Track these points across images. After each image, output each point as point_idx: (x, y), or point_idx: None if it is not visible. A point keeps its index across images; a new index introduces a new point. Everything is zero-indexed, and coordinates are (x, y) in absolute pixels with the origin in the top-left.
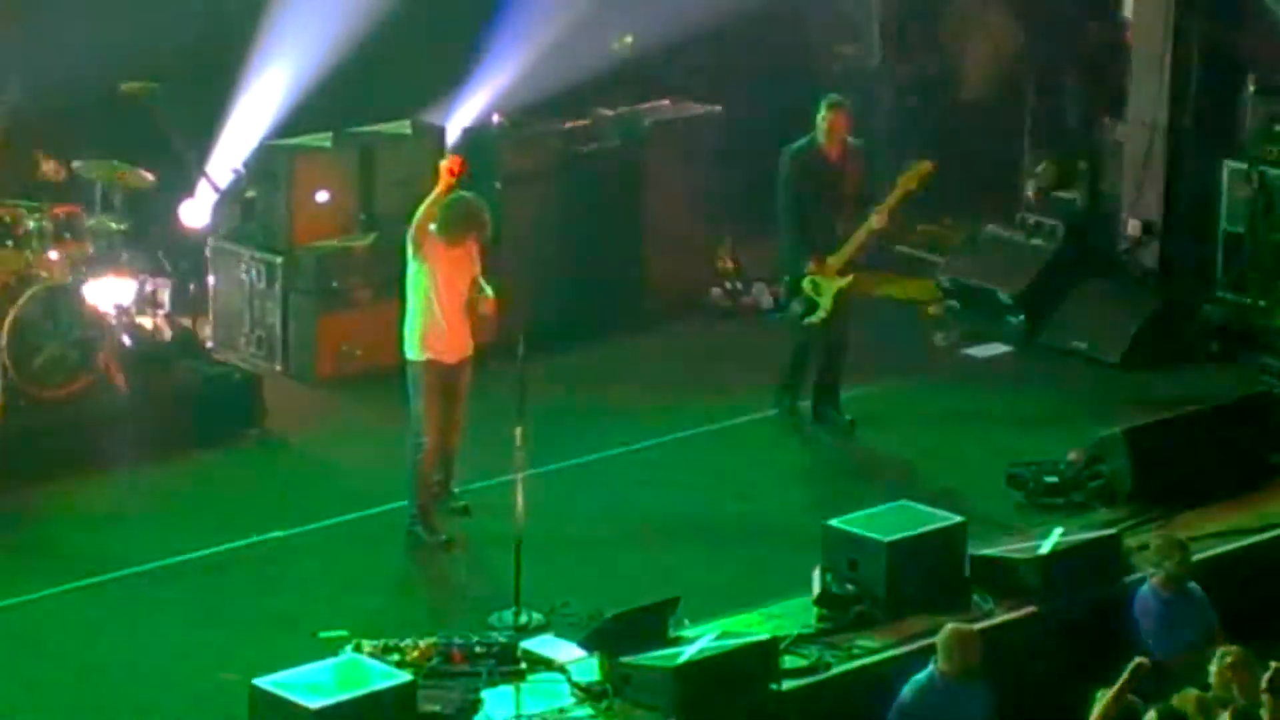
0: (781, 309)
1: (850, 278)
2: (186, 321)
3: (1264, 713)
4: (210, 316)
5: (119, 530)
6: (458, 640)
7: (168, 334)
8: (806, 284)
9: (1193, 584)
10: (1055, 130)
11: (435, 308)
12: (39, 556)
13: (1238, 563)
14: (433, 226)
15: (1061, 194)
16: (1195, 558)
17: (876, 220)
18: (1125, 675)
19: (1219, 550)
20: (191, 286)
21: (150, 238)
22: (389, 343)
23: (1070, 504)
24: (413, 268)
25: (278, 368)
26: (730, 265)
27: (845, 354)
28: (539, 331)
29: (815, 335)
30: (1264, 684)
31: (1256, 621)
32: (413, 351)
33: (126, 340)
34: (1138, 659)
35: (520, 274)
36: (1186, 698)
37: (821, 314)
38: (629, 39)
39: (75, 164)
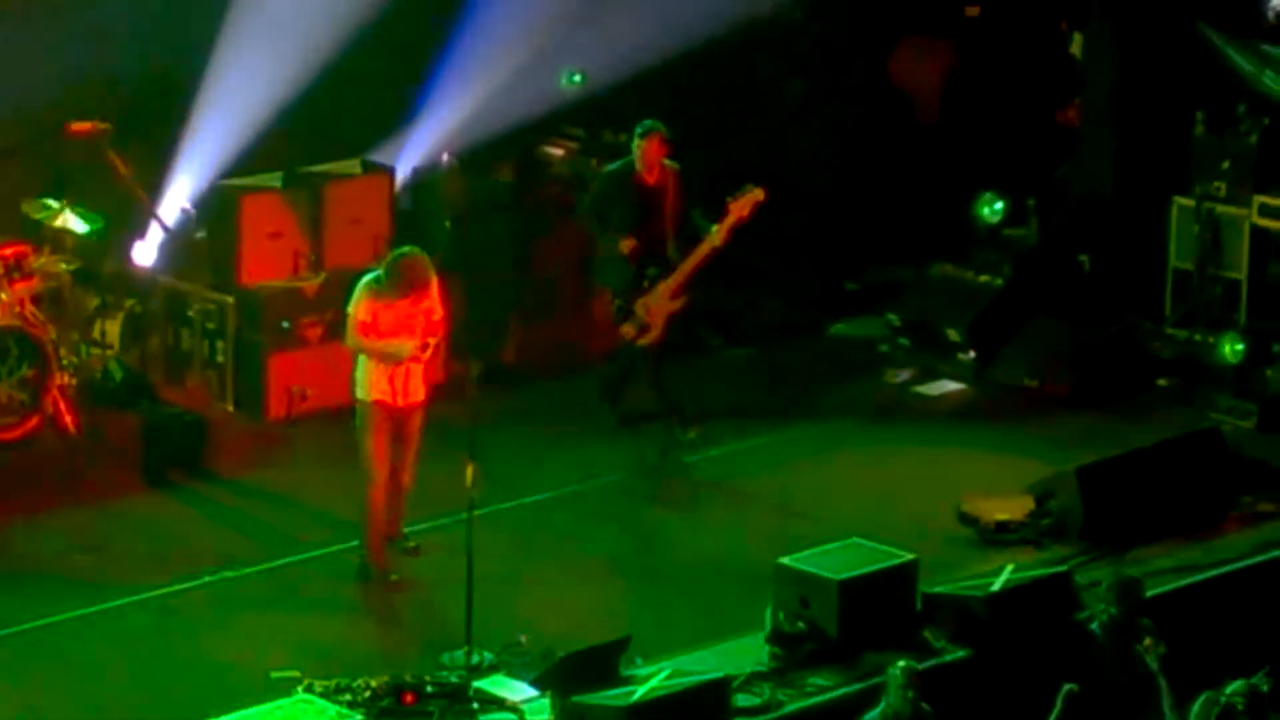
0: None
1: (683, 300)
2: (136, 362)
3: None
4: (160, 356)
5: (67, 571)
6: (409, 680)
7: (117, 374)
8: (639, 307)
9: (1144, 620)
10: (1005, 167)
11: (383, 352)
12: None
13: (1190, 598)
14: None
15: (1011, 231)
16: (1148, 594)
17: (717, 239)
18: (1058, 705)
19: (1171, 586)
20: (141, 326)
21: (100, 277)
22: (339, 382)
23: (1022, 541)
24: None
25: (228, 408)
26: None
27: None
28: (490, 368)
29: (642, 356)
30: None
31: (1209, 658)
32: (360, 391)
33: (75, 381)
34: (1067, 686)
35: (471, 311)
36: None
37: (653, 335)
38: (578, 77)
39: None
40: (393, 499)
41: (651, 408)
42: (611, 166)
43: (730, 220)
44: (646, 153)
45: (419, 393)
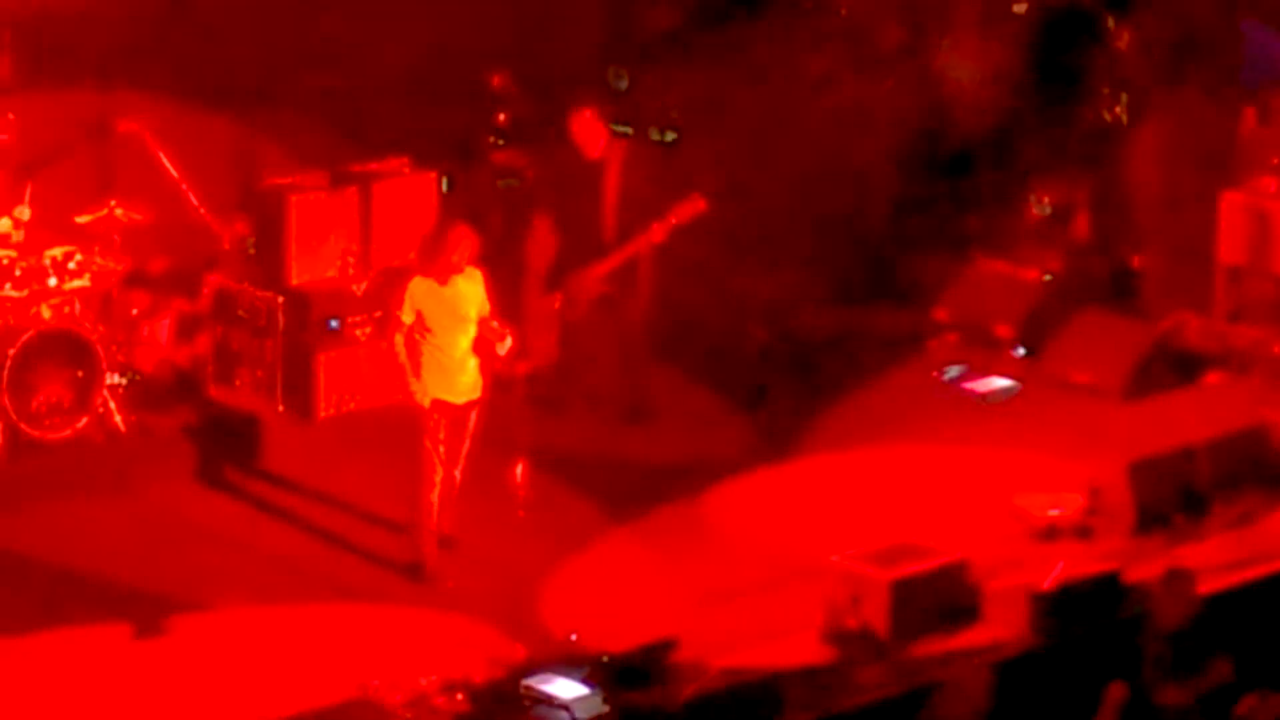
0: None
1: (612, 289)
2: (185, 361)
3: None
4: (210, 355)
5: (118, 571)
6: (460, 679)
7: (167, 373)
8: (570, 282)
9: (1197, 615)
10: (1054, 160)
11: (429, 347)
12: (36, 597)
13: (1241, 594)
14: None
15: (1060, 225)
16: (1199, 590)
17: (655, 235)
18: (1105, 705)
19: (1222, 582)
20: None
21: (148, 277)
22: (387, 381)
23: (1073, 537)
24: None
25: (278, 407)
26: None
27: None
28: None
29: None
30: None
31: (1261, 654)
32: (416, 391)
33: (125, 380)
34: (1112, 684)
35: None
36: None
37: (574, 312)
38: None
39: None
40: (445, 498)
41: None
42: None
43: (669, 223)
44: (575, 131)
45: (477, 390)
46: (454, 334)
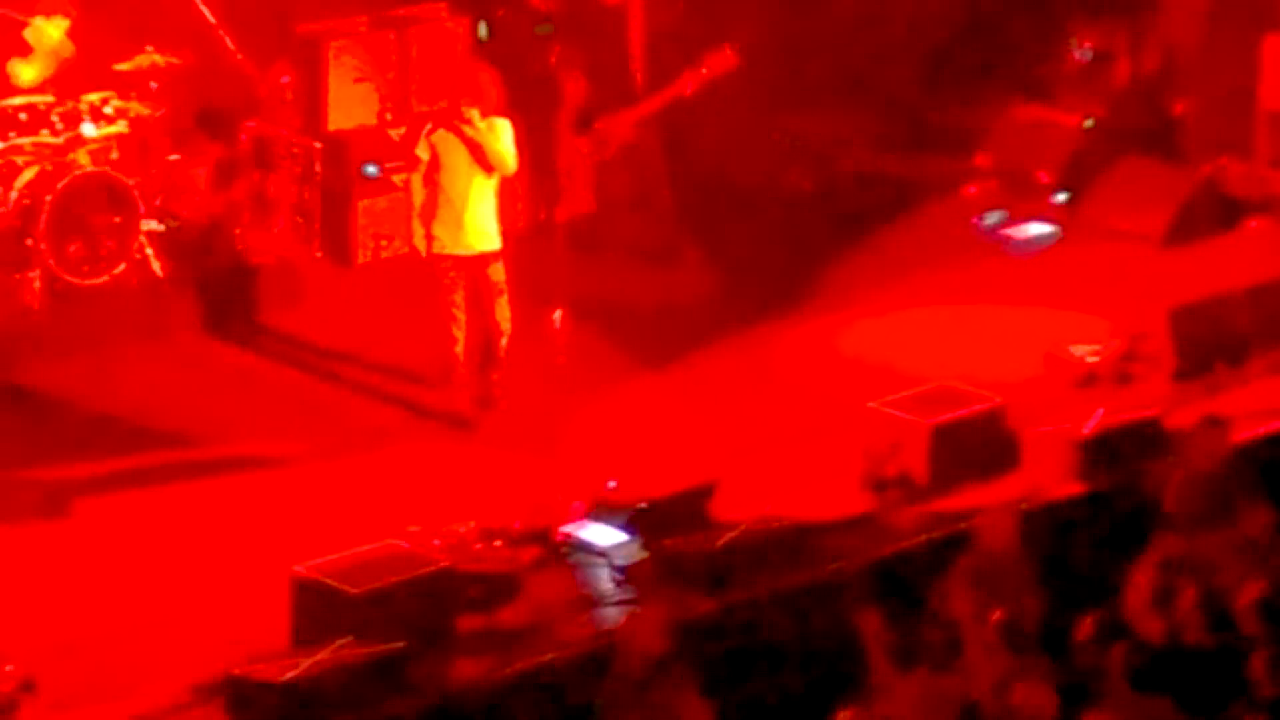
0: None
1: (641, 135)
2: (222, 207)
3: None
4: (247, 201)
5: (153, 415)
6: (500, 524)
7: (204, 219)
8: (601, 123)
9: (1235, 461)
10: (1094, 5)
11: (441, 194)
12: (72, 441)
13: None
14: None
15: (1101, 71)
16: (1240, 436)
17: (684, 87)
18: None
19: (1263, 428)
20: (227, 172)
21: (185, 123)
22: None
23: (1114, 382)
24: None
25: (315, 253)
26: None
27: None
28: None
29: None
30: None
31: None
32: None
33: (162, 227)
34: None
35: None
36: None
37: (601, 156)
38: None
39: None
40: (480, 354)
41: None
42: None
43: (700, 75)
44: None
45: (490, 242)
46: (465, 181)
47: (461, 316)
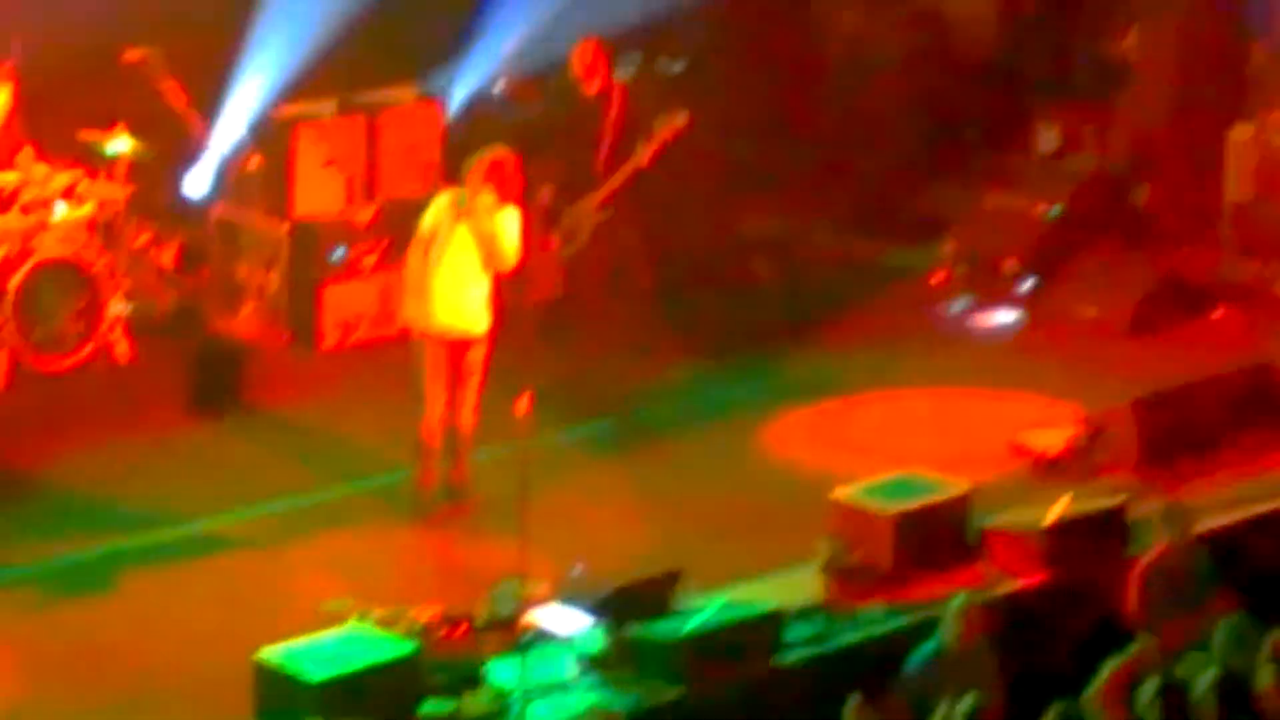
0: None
1: (609, 213)
2: (190, 290)
3: (1263, 679)
4: (214, 286)
5: (121, 500)
6: (462, 610)
7: (171, 303)
8: (566, 214)
9: (1199, 552)
10: (1062, 95)
11: (434, 270)
12: (39, 526)
13: (1244, 530)
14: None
15: (1068, 159)
16: (1203, 527)
17: (641, 159)
18: (1134, 651)
19: (1226, 518)
20: (194, 255)
21: (153, 205)
22: (392, 313)
23: (1076, 473)
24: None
25: (282, 337)
26: None
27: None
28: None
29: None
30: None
31: (1263, 590)
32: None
33: (129, 310)
34: (1143, 635)
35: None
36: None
37: (575, 246)
38: None
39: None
40: (450, 442)
41: None
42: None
43: (654, 145)
44: (576, 67)
45: (476, 326)
46: (463, 264)
47: (440, 398)
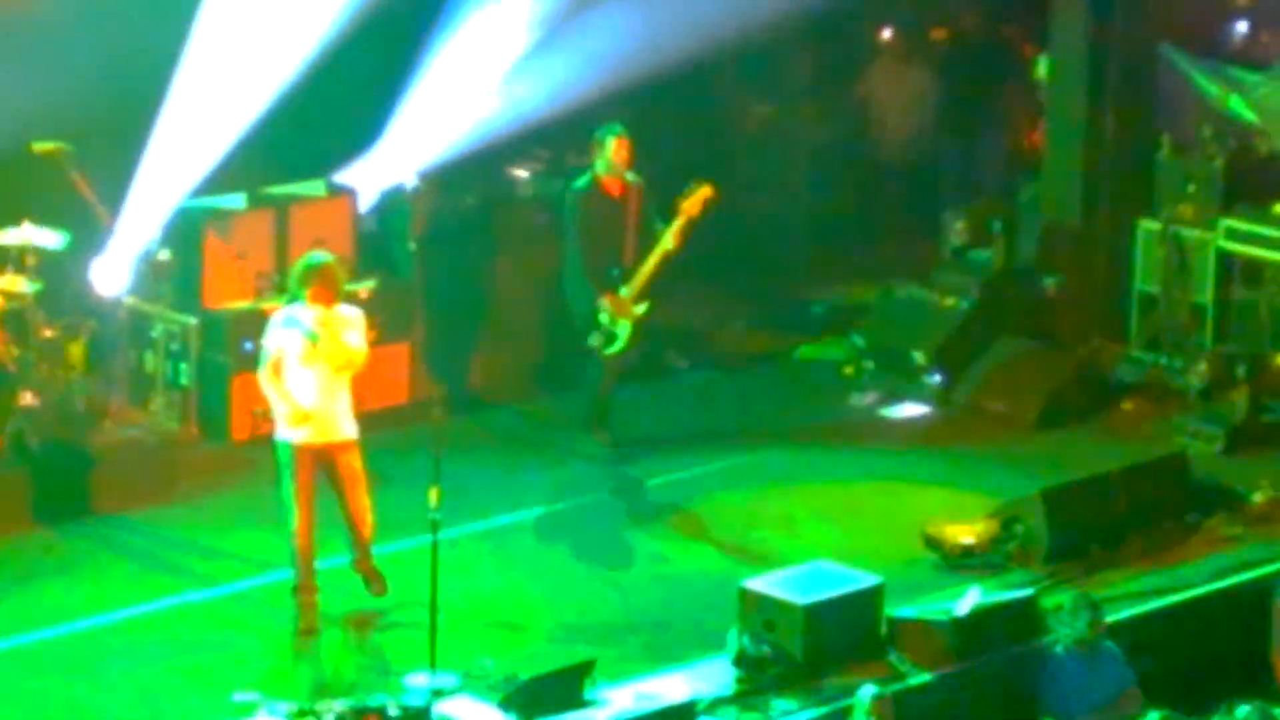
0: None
1: (646, 305)
2: (98, 384)
3: None
4: (123, 377)
5: (26, 593)
6: (373, 703)
7: (80, 397)
8: (604, 317)
9: (1108, 643)
10: (971, 188)
11: (292, 381)
12: None
13: (1155, 622)
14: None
15: (977, 253)
16: (1113, 618)
17: (670, 242)
18: None
19: (1136, 610)
20: (103, 348)
21: (62, 299)
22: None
23: (987, 564)
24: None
25: (192, 430)
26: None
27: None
28: (455, 391)
29: (612, 366)
30: None
31: (1174, 682)
32: (279, 429)
33: (37, 402)
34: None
35: (434, 334)
36: None
37: (621, 344)
38: None
39: None
40: (356, 546)
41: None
42: (578, 183)
43: (681, 221)
44: (616, 152)
45: (349, 430)
46: (312, 370)
47: (309, 506)
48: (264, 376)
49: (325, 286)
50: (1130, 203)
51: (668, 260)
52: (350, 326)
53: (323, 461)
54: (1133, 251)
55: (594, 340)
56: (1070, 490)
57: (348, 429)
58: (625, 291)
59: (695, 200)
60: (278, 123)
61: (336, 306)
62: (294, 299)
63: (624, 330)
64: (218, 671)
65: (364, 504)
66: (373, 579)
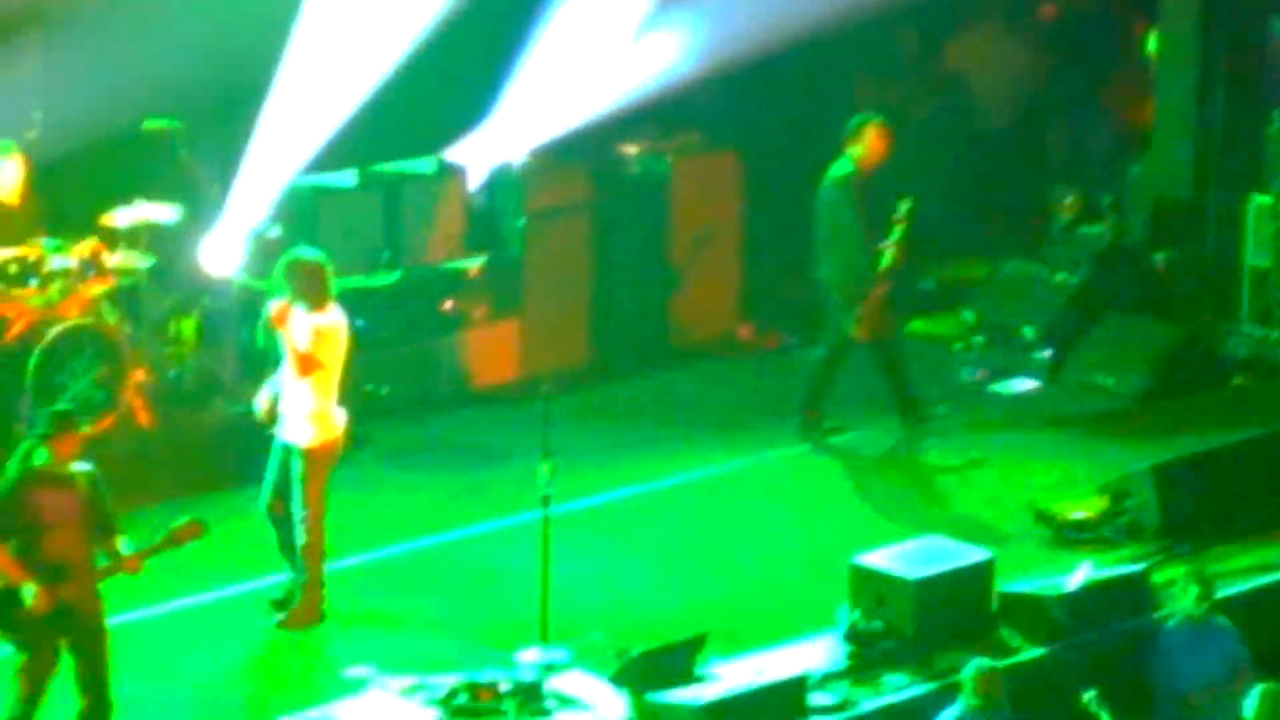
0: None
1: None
2: (210, 360)
3: None
4: (234, 354)
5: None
6: (484, 678)
7: (191, 373)
8: (864, 309)
9: (1220, 619)
10: (1080, 164)
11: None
12: None
13: (1268, 597)
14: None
15: (1086, 228)
16: (1225, 593)
17: (893, 256)
18: None
19: (1249, 585)
20: (215, 324)
21: (175, 275)
22: (413, 379)
23: (1098, 540)
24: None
25: None
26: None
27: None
28: (563, 367)
29: (846, 352)
30: None
31: None
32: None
33: (151, 378)
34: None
35: (544, 311)
36: None
37: (864, 333)
38: None
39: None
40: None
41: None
42: (836, 172)
43: (899, 234)
44: (875, 142)
45: (298, 435)
46: (284, 371)
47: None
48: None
49: (297, 280)
50: (1240, 177)
51: (893, 273)
52: (301, 326)
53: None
54: (1243, 226)
55: (849, 325)
56: (1181, 465)
57: (298, 435)
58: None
59: (902, 215)
60: (388, 99)
61: (322, 307)
62: (278, 293)
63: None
64: (328, 648)
65: (301, 518)
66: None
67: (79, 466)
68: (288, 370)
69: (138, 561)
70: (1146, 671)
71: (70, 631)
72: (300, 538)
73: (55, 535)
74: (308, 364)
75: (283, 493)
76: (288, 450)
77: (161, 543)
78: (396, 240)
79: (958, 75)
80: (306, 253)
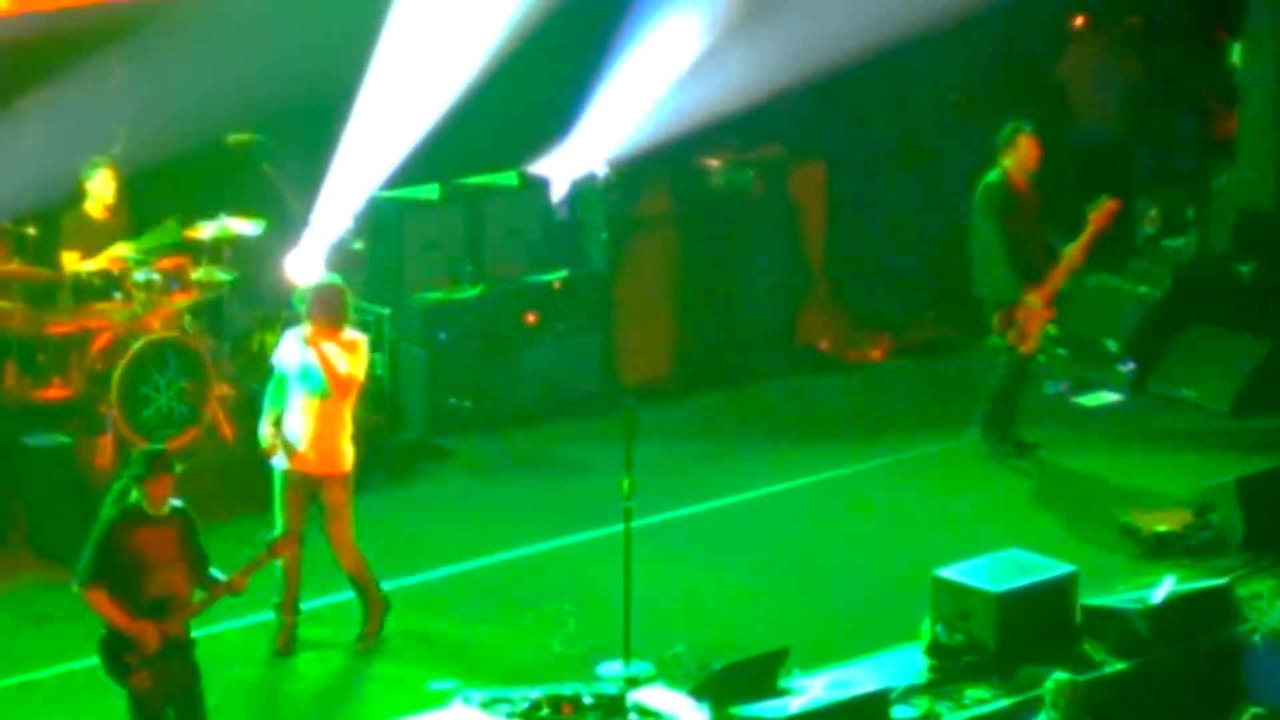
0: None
1: (1054, 313)
2: None
3: None
4: None
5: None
6: (567, 691)
7: None
8: (1020, 314)
9: None
10: (1164, 176)
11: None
12: None
13: None
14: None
15: (1170, 241)
16: None
17: (1076, 254)
18: None
19: None
20: None
21: (258, 289)
22: (496, 393)
23: (1183, 553)
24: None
25: (384, 420)
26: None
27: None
28: (645, 381)
29: (1019, 366)
30: None
31: None
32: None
33: (234, 391)
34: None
35: (629, 323)
36: None
37: (1031, 344)
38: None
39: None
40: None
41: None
42: (991, 179)
43: (1089, 233)
44: (1028, 152)
45: (337, 462)
46: (303, 396)
47: (286, 527)
48: (274, 388)
49: (323, 311)
50: None
51: (1073, 273)
52: (345, 352)
53: (313, 490)
54: None
55: (1011, 335)
56: (1266, 478)
57: (338, 463)
58: (1033, 301)
59: (1103, 213)
60: (471, 113)
61: (340, 331)
62: (299, 320)
63: (1036, 331)
64: (412, 660)
65: (346, 542)
66: (368, 623)
67: (173, 502)
68: (314, 398)
69: (244, 580)
70: (1239, 686)
71: (177, 673)
72: (351, 556)
73: (156, 574)
74: (348, 386)
75: (301, 525)
76: (310, 482)
77: (263, 557)
78: (479, 253)
79: (1045, 85)
80: (328, 279)
